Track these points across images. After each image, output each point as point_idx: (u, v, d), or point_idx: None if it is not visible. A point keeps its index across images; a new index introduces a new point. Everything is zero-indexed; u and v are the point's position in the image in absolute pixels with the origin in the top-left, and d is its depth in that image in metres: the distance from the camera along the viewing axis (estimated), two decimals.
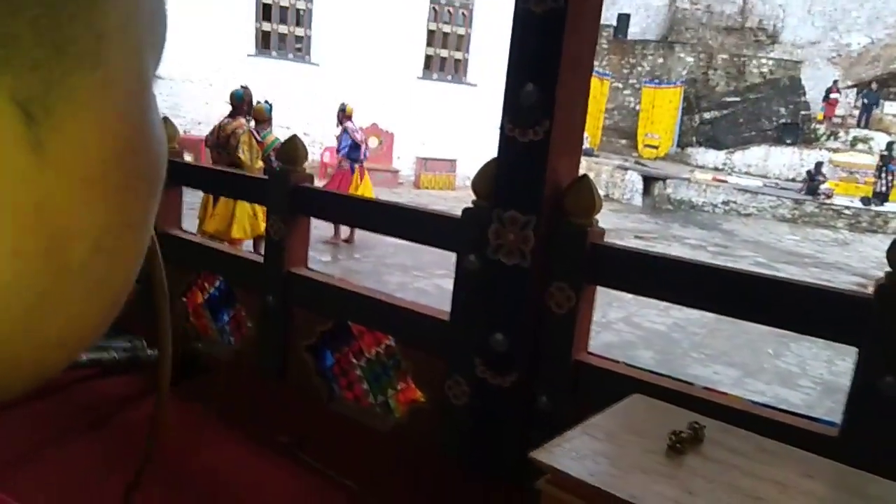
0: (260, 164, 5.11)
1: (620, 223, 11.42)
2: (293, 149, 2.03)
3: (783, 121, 18.64)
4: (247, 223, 5.03)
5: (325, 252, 7.25)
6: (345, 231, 7.73)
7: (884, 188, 14.81)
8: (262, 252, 2.17)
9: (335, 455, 1.61)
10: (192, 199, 3.76)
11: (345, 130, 7.26)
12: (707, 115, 19.48)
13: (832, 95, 18.66)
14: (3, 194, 0.19)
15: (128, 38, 0.21)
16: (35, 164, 0.19)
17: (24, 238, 0.19)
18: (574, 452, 1.08)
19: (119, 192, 0.22)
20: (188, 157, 2.62)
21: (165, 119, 2.36)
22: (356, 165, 7.39)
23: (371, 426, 1.86)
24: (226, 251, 2.46)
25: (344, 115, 7.30)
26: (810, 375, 5.22)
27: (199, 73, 11.85)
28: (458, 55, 14.22)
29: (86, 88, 0.20)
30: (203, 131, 5.97)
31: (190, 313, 2.34)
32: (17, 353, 0.21)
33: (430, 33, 13.80)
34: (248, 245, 5.17)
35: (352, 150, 7.28)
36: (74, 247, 0.21)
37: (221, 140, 5.00)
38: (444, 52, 14.10)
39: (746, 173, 17.48)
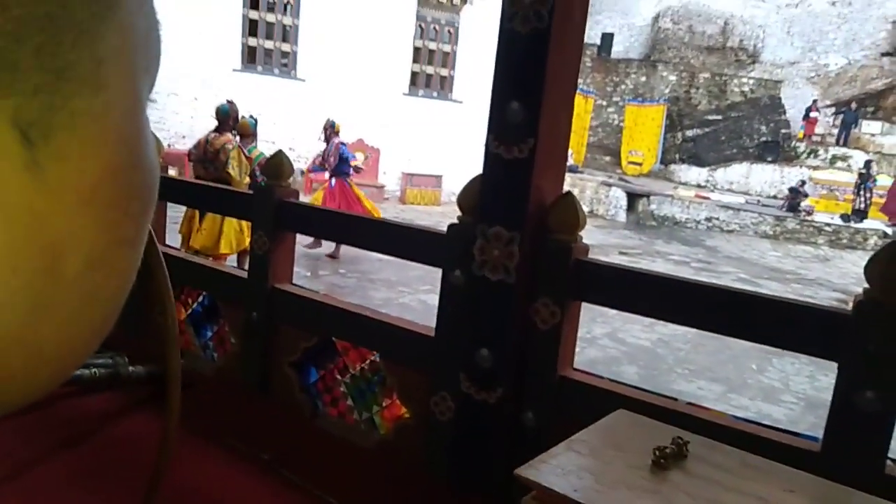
0: (247, 179, 5.11)
1: (605, 239, 11.51)
2: (278, 164, 2.03)
3: (764, 139, 19.00)
4: (233, 238, 5.02)
5: (308, 267, 7.22)
6: (329, 246, 7.72)
7: (862, 205, 15.11)
8: (247, 267, 2.16)
9: (319, 472, 1.60)
10: (173, 213, 3.73)
11: (337, 146, 7.31)
12: (689, 133, 19.79)
13: (812, 114, 19.08)
14: (0, 213, 0.19)
15: (124, 61, 0.22)
16: (32, 184, 0.19)
17: (21, 254, 0.20)
18: (559, 469, 1.08)
19: (113, 210, 0.22)
20: (172, 172, 2.61)
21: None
22: (348, 180, 7.43)
23: (356, 443, 1.84)
24: (210, 266, 2.45)
25: (332, 131, 7.34)
26: (793, 391, 5.27)
27: (184, 87, 11.85)
28: (444, 72, 14.36)
29: (86, 112, 0.20)
30: (187, 145, 5.95)
31: (179, 341, 2.32)
32: (12, 367, 0.21)
33: (416, 50, 13.92)
34: (231, 260, 5.15)
35: (342, 165, 7.32)
36: (69, 262, 0.21)
37: (209, 155, 4.99)
38: (430, 69, 14.23)
39: (729, 190, 17.75)
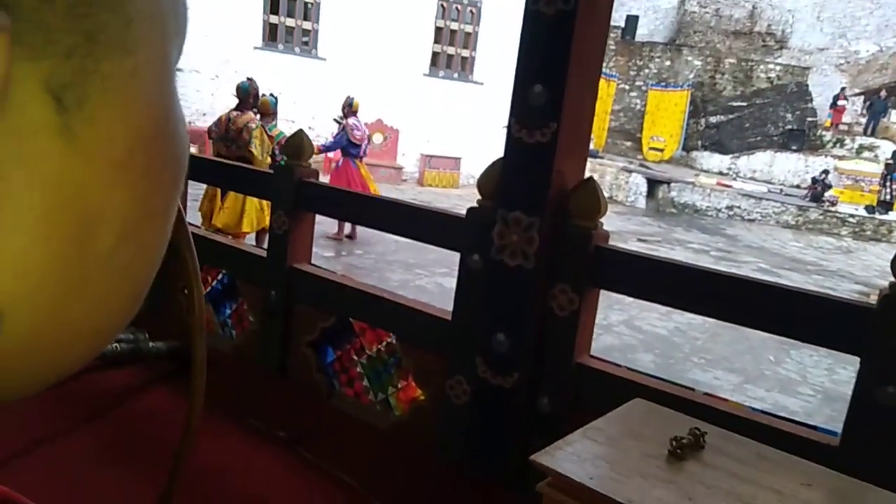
0: (269, 159, 5.11)
1: (623, 225, 11.41)
2: (298, 143, 2.03)
3: (789, 127, 18.61)
4: (255, 217, 5.04)
5: (328, 247, 7.25)
6: (347, 226, 7.72)
7: (888, 197, 14.79)
8: (265, 245, 2.17)
9: (335, 451, 1.62)
10: (193, 191, 3.76)
11: (346, 126, 7.20)
12: (713, 120, 19.44)
13: (839, 102, 18.62)
14: (35, 180, 0.19)
15: (154, 25, 0.21)
16: (65, 151, 0.19)
17: (55, 223, 0.19)
18: (575, 456, 1.08)
19: (145, 180, 0.22)
20: (193, 149, 2.62)
21: None
22: (356, 161, 7.34)
23: (371, 423, 1.86)
24: (229, 244, 2.47)
25: (350, 109, 7.23)
26: (811, 383, 5.22)
27: (205, 64, 11.85)
28: (466, 53, 14.20)
29: (116, 76, 0.20)
30: (208, 122, 5.96)
31: (203, 327, 2.35)
32: (48, 341, 0.21)
33: (438, 30, 13.77)
34: (249, 239, 5.18)
35: (350, 146, 7.22)
36: (102, 233, 0.21)
37: (232, 133, 4.98)
38: (451, 50, 14.08)
39: (751, 178, 17.46)
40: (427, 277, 6.65)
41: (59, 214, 0.19)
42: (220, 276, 2.29)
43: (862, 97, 19.83)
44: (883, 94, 18.83)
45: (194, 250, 0.40)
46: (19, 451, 1.32)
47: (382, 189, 10.47)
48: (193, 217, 4.34)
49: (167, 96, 0.23)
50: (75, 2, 0.18)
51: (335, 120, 7.23)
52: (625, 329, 5.93)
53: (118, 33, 0.20)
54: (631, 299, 5.91)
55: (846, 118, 19.04)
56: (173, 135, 0.23)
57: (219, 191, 4.95)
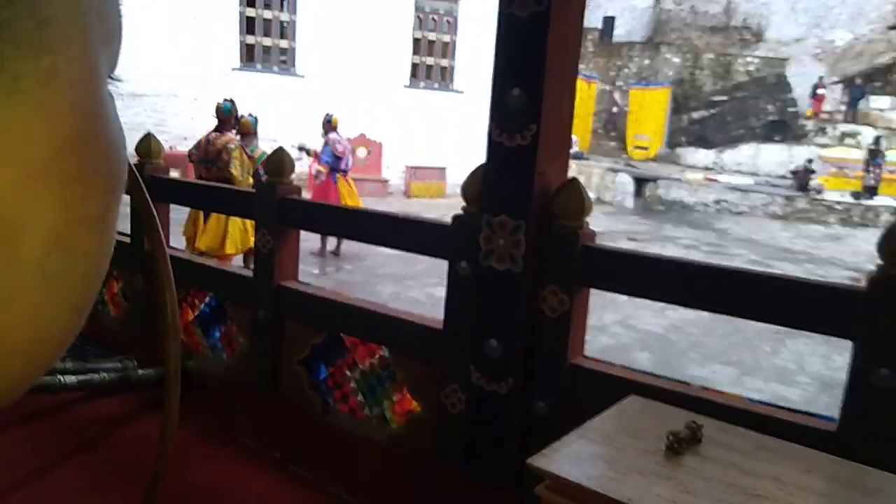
0: (250, 179, 5.10)
1: (613, 225, 11.46)
2: (279, 161, 2.03)
3: (771, 118, 18.81)
4: (238, 238, 5.02)
5: (315, 265, 7.23)
6: (332, 242, 7.72)
7: (873, 182, 14.94)
8: (252, 266, 2.16)
9: (331, 468, 1.60)
10: (176, 216, 3.74)
11: (326, 142, 7.25)
12: (695, 115, 19.63)
13: (819, 91, 18.84)
14: None
15: (74, 27, 0.21)
16: None
17: None
18: (572, 457, 1.07)
19: (74, 185, 0.21)
20: (175, 173, 2.61)
21: (150, 135, 2.35)
22: (338, 175, 7.35)
23: (367, 438, 1.84)
24: (215, 267, 2.45)
25: (329, 125, 7.28)
26: (807, 371, 5.23)
27: (184, 88, 11.85)
28: (445, 63, 14.28)
29: (31, 76, 0.19)
30: (189, 146, 5.96)
31: (180, 330, 2.33)
32: None
33: (416, 41, 13.85)
34: (237, 260, 5.15)
35: (334, 161, 7.25)
36: (25, 240, 0.20)
37: (211, 155, 4.98)
38: (430, 60, 14.15)
39: (737, 171, 17.61)
40: (418, 289, 6.64)
41: None
42: (207, 300, 2.27)
43: (840, 85, 20.07)
44: (859, 81, 19.08)
45: (168, 261, 0.39)
46: (9, 486, 1.30)
47: (369, 203, 10.46)
48: (177, 241, 4.32)
49: (96, 100, 0.22)
50: None
51: (298, 148, 7.26)
52: (620, 329, 5.94)
53: (29, 31, 0.19)
54: (624, 299, 5.92)
55: (826, 106, 19.26)
56: (106, 140, 0.23)
57: (201, 213, 4.94)
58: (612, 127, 19.57)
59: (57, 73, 0.20)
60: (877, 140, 15.71)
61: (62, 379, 1.46)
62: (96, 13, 0.22)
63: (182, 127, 11.74)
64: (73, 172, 0.21)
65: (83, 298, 0.23)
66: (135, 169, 0.34)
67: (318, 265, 7.35)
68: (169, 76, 11.38)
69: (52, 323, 0.22)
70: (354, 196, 7.41)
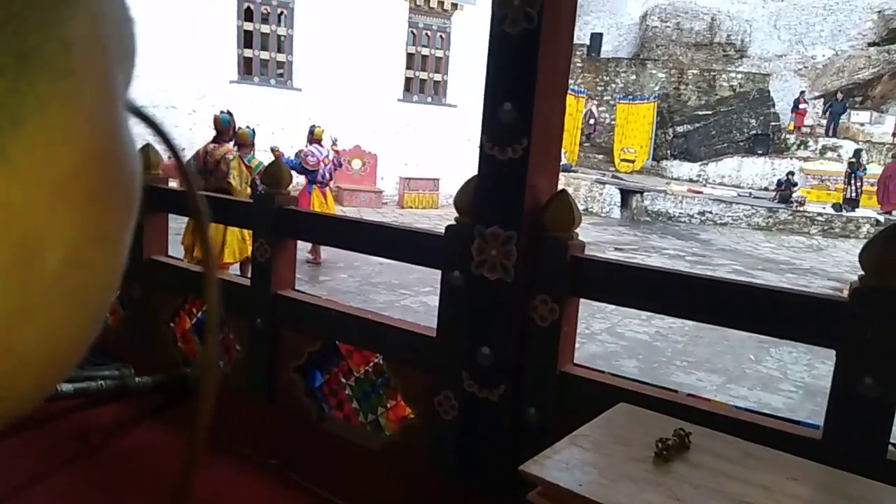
0: (248, 189, 5.12)
1: (600, 236, 11.55)
2: (276, 172, 2.05)
3: (754, 132, 19.08)
4: (236, 247, 5.04)
5: (307, 273, 7.22)
6: (306, 248, 7.76)
7: (854, 194, 15.19)
8: (249, 275, 2.17)
9: (327, 475, 1.61)
10: (175, 225, 3.74)
11: (299, 152, 7.34)
12: (680, 129, 19.87)
13: (800, 106, 19.17)
14: None
15: (95, 49, 0.21)
16: (1, 175, 0.18)
17: None
18: (563, 464, 1.09)
19: (92, 203, 0.21)
20: (173, 184, 2.61)
21: (148, 146, 2.36)
22: (314, 186, 7.38)
23: (362, 445, 1.86)
24: None
25: (312, 137, 7.35)
26: (791, 379, 5.30)
27: (182, 100, 11.88)
28: (438, 77, 14.39)
29: (55, 98, 0.19)
30: (187, 157, 5.95)
31: (178, 338, 2.33)
32: None
33: (409, 56, 13.96)
34: (233, 269, 5.16)
35: (310, 174, 7.27)
36: (46, 258, 0.20)
37: (209, 166, 5.00)
38: (423, 75, 14.26)
39: (720, 184, 17.83)
40: (412, 297, 6.66)
41: None
42: (204, 308, 2.28)
43: (822, 100, 20.43)
44: (840, 96, 19.43)
45: (217, 291, 0.39)
46: (4, 494, 1.29)
47: (364, 213, 10.48)
48: (176, 250, 4.31)
49: (114, 120, 0.22)
50: (4, 20, 0.18)
51: (271, 149, 7.33)
52: (608, 337, 5.98)
53: (56, 55, 0.19)
54: (612, 307, 5.98)
55: (808, 121, 19.59)
56: (122, 159, 0.23)
57: None
58: (586, 139, 19.77)
59: (79, 95, 0.20)
60: (857, 153, 16.00)
61: (59, 387, 1.46)
62: (114, 36, 0.22)
63: (180, 138, 11.67)
64: (92, 191, 0.21)
65: (97, 313, 0.24)
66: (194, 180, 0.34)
67: (311, 273, 7.35)
68: (167, 88, 11.38)
69: (67, 337, 0.22)
70: (327, 207, 7.39)
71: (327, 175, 7.38)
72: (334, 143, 7.73)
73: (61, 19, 0.19)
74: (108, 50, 0.22)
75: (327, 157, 7.31)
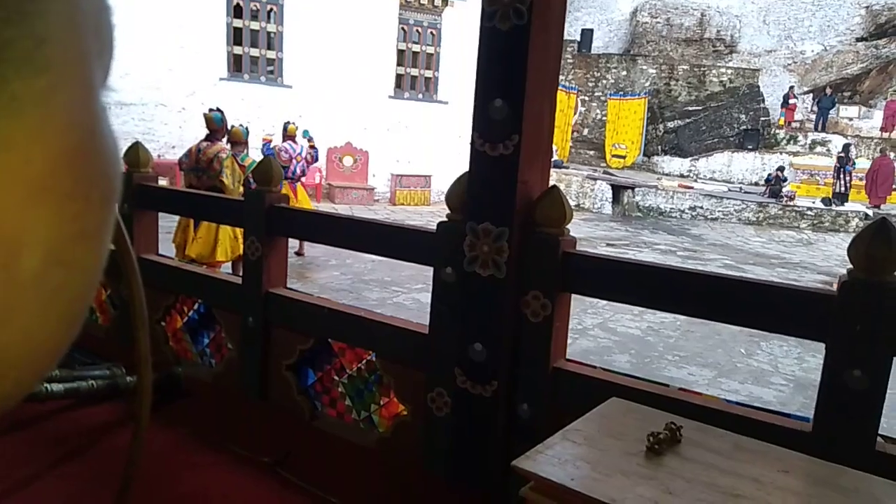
0: (241, 188, 5.09)
1: (592, 231, 11.57)
2: (267, 170, 2.04)
3: (744, 127, 19.17)
4: (228, 245, 5.01)
5: (298, 271, 7.20)
6: (296, 244, 7.84)
7: (843, 189, 15.30)
8: (241, 273, 2.16)
9: (320, 472, 1.61)
10: (166, 223, 3.73)
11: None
12: (671, 125, 19.93)
13: (790, 101, 19.27)
14: None
15: (70, 43, 0.20)
16: None
17: None
18: (556, 459, 1.10)
19: (71, 201, 0.21)
20: (163, 182, 2.59)
21: (138, 144, 2.34)
22: (284, 182, 7.44)
23: (355, 442, 1.85)
24: (204, 274, 2.44)
25: (286, 134, 7.45)
26: (782, 373, 5.34)
27: (172, 97, 11.81)
28: (429, 74, 14.37)
29: (29, 95, 0.19)
30: (177, 155, 5.93)
31: (169, 337, 2.32)
32: None
33: (400, 53, 13.93)
34: (224, 267, 5.13)
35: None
36: (26, 256, 0.20)
37: (202, 164, 4.97)
38: (414, 71, 14.23)
39: (711, 179, 17.91)
40: (404, 294, 6.65)
41: None
42: (196, 306, 2.27)
43: (811, 95, 20.55)
44: (829, 91, 19.55)
45: (138, 272, 0.39)
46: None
47: (356, 210, 10.47)
48: (167, 249, 4.29)
49: (91, 116, 0.22)
50: None
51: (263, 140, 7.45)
52: (600, 332, 6.00)
53: (28, 50, 0.19)
54: (604, 303, 6.00)
55: (797, 115, 19.70)
56: (101, 154, 0.22)
57: (192, 221, 4.91)
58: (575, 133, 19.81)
59: (55, 92, 0.20)
60: (846, 148, 16.10)
61: (49, 387, 1.45)
62: (91, 29, 0.22)
63: (170, 136, 11.68)
64: (70, 189, 0.21)
65: (78, 311, 0.23)
66: (121, 221, 0.33)
67: (303, 271, 7.34)
68: (157, 85, 11.31)
69: (47, 336, 0.22)
70: (296, 202, 7.42)
71: (298, 171, 7.44)
72: (310, 140, 7.78)
73: (34, 13, 0.19)
74: (85, 43, 0.21)
75: (300, 153, 7.37)
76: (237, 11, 12.55)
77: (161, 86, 11.38)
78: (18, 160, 0.19)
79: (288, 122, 7.50)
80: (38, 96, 0.19)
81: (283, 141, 7.37)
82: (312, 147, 7.71)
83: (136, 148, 2.32)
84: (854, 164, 15.64)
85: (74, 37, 0.20)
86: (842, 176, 15.36)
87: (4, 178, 0.19)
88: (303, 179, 7.71)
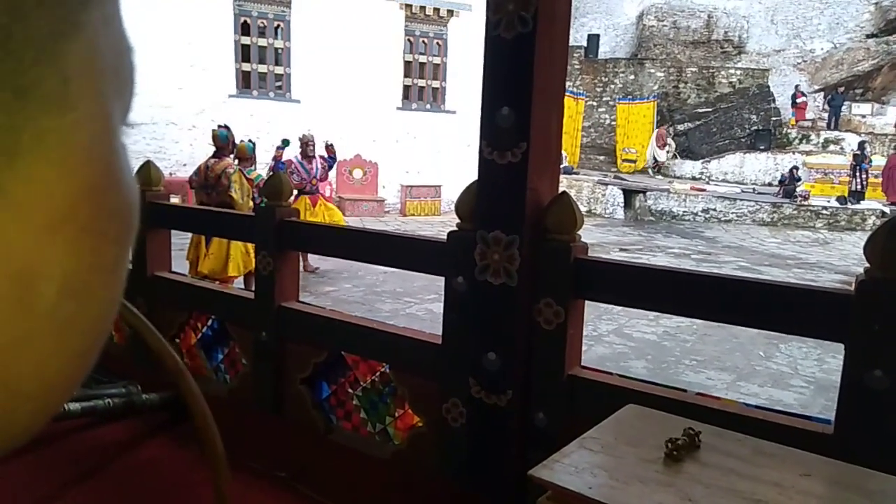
0: (251, 203, 5.16)
1: (604, 237, 11.53)
2: (277, 184, 2.05)
3: (755, 128, 19.06)
4: (240, 260, 5.07)
5: (311, 284, 7.23)
6: (311, 261, 7.88)
7: (859, 186, 15.14)
8: (253, 288, 2.18)
9: (336, 486, 1.61)
10: (179, 241, 3.77)
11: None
12: (681, 127, 19.87)
13: (798, 100, 19.14)
14: None
15: (93, 82, 0.21)
16: None
17: None
18: (573, 467, 1.08)
19: (88, 236, 0.21)
20: (175, 199, 2.62)
21: (149, 162, 2.37)
22: (303, 197, 7.57)
23: (371, 455, 1.85)
24: (216, 289, 2.46)
25: (302, 150, 7.52)
26: (802, 375, 5.27)
27: (181, 115, 11.99)
28: (436, 84, 14.46)
29: (53, 133, 0.20)
30: (188, 172, 6.02)
31: (184, 354, 2.33)
32: None
33: (407, 64, 14.04)
34: (238, 283, 5.18)
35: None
36: (42, 290, 0.20)
37: (210, 180, 5.04)
38: (421, 82, 14.34)
39: (723, 181, 17.81)
40: (417, 304, 6.66)
41: None
42: (209, 322, 2.29)
43: (822, 93, 20.40)
44: (841, 88, 19.41)
45: (154, 330, 0.39)
46: None
47: (366, 222, 10.51)
48: (180, 265, 4.34)
49: (111, 151, 0.23)
50: (1, 57, 0.18)
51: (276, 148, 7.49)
52: (615, 338, 5.96)
53: (55, 89, 0.20)
54: (619, 308, 5.96)
55: (809, 114, 19.57)
56: (118, 190, 0.23)
57: (203, 238, 4.97)
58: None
59: (77, 130, 0.20)
60: (861, 145, 15.94)
61: (66, 406, 1.47)
62: (112, 68, 0.22)
63: (181, 154, 11.85)
64: (88, 223, 0.21)
65: (92, 344, 0.24)
66: (132, 308, 0.34)
67: (320, 284, 7.38)
68: (167, 104, 11.49)
69: (61, 368, 0.22)
70: (316, 216, 7.51)
71: (318, 186, 7.52)
72: (329, 146, 7.84)
73: (60, 54, 0.19)
74: (107, 82, 0.22)
75: (315, 176, 7.47)
76: (245, 28, 12.73)
77: (171, 104, 11.55)
78: (39, 195, 0.20)
79: (283, 143, 7.51)
80: (62, 134, 0.20)
81: (301, 157, 7.41)
82: (329, 156, 7.75)
83: (147, 167, 2.34)
84: (870, 161, 15.48)
85: (97, 77, 0.21)
86: (858, 174, 15.21)
87: (25, 212, 0.19)
88: (324, 191, 7.77)
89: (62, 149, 0.20)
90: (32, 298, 0.20)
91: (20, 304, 0.20)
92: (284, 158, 7.50)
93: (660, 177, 17.49)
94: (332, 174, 11.80)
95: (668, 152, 18.16)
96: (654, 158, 18.29)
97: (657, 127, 19.17)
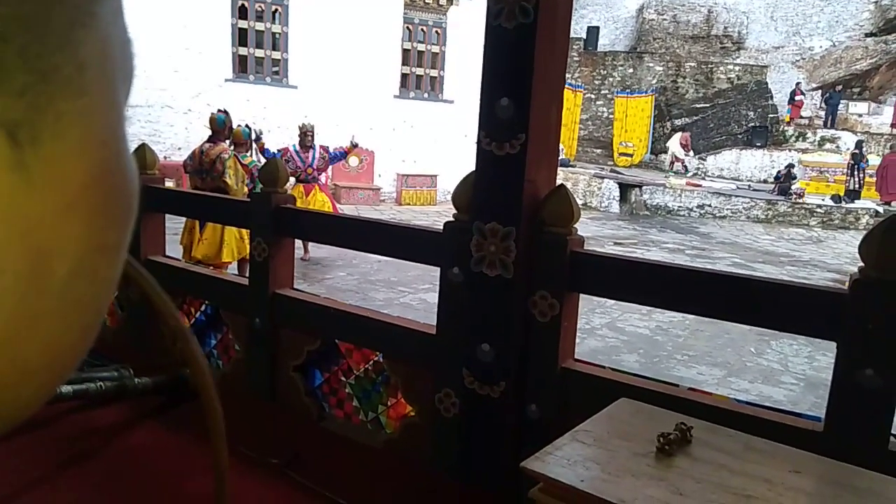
0: (245, 188, 5.12)
1: (599, 230, 11.55)
2: (273, 170, 2.04)
3: (752, 124, 19.07)
4: (234, 246, 5.04)
5: (305, 271, 7.21)
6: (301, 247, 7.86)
7: (856, 185, 15.18)
8: (248, 274, 2.17)
9: (328, 474, 1.61)
10: (172, 225, 3.75)
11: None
12: (678, 122, 19.86)
13: (796, 98, 19.15)
14: None
15: (104, 69, 0.22)
16: (20, 185, 0.19)
17: (9, 257, 0.19)
18: (565, 460, 1.09)
19: (98, 216, 0.22)
20: (170, 183, 2.60)
21: (144, 146, 2.35)
22: (299, 185, 7.56)
23: (363, 443, 1.85)
24: (210, 275, 2.45)
25: (302, 140, 7.45)
26: (792, 372, 5.30)
27: (177, 99, 11.88)
28: (434, 73, 14.37)
29: (70, 115, 0.20)
30: (183, 156, 5.98)
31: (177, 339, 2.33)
32: None
33: (405, 52, 13.94)
34: (231, 269, 5.16)
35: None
36: (55, 268, 0.21)
37: (205, 165, 5.00)
38: (419, 71, 14.24)
39: (719, 177, 17.85)
40: (411, 294, 6.65)
41: (12, 249, 0.20)
42: (203, 308, 2.28)
43: (820, 91, 20.42)
44: (839, 87, 19.43)
45: (159, 290, 0.40)
46: (5, 497, 1.29)
47: (362, 211, 10.50)
48: (174, 250, 4.32)
49: (118, 135, 0.24)
50: (28, 42, 0.19)
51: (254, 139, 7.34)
52: (608, 332, 5.98)
53: (72, 75, 0.20)
54: (612, 302, 5.99)
55: (806, 112, 19.59)
56: (124, 172, 0.24)
57: (197, 223, 4.94)
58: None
59: (91, 113, 0.22)
60: (859, 145, 15.98)
61: (59, 388, 1.46)
62: (119, 57, 0.23)
63: (176, 137, 11.76)
64: (98, 204, 0.22)
65: (94, 322, 0.25)
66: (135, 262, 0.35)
67: (311, 271, 7.36)
68: (163, 88, 11.38)
69: (67, 345, 0.23)
70: (310, 204, 7.47)
71: (315, 174, 7.49)
72: (353, 146, 7.82)
73: (77, 42, 0.21)
74: (115, 70, 0.23)
75: (311, 165, 7.41)
76: (242, 12, 12.60)
77: (167, 87, 11.45)
78: (58, 175, 0.21)
79: (257, 133, 7.35)
80: (79, 116, 0.21)
81: (299, 146, 7.36)
82: (340, 151, 7.68)
83: (142, 150, 2.33)
84: (867, 160, 15.53)
85: (107, 65, 0.22)
86: (856, 173, 15.25)
87: (45, 191, 0.20)
88: (321, 180, 7.73)
89: (78, 131, 0.21)
90: (46, 276, 0.21)
91: (35, 281, 0.20)
92: (282, 146, 7.44)
93: (673, 175, 17.50)
94: None
95: (687, 154, 18.39)
96: (676, 157, 18.41)
97: (654, 122, 19.16)
